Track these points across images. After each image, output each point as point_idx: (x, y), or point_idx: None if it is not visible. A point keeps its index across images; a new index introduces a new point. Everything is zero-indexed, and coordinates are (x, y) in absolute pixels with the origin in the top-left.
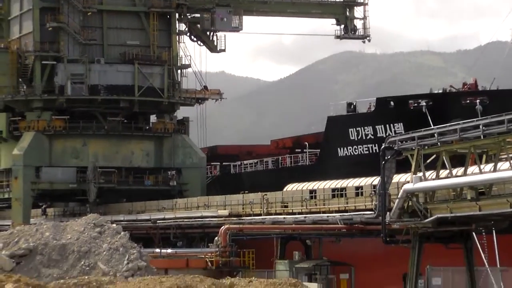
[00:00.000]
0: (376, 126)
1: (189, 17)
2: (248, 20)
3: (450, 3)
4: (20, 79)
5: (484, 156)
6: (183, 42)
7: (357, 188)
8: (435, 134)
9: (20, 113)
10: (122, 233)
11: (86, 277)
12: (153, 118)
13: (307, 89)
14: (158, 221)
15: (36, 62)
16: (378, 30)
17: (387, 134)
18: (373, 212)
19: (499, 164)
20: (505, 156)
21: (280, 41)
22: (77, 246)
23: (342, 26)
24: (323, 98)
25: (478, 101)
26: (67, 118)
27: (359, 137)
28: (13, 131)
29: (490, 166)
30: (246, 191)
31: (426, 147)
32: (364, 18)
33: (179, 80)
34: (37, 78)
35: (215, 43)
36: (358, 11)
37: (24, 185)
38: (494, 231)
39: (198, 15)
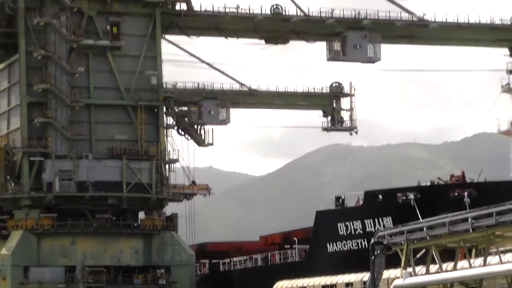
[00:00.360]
0: (365, 220)
1: (176, 110)
2: (236, 113)
3: (436, 95)
4: (7, 177)
5: (474, 250)
6: (171, 136)
7: (347, 284)
8: (424, 228)
9: (8, 211)
10: None
11: None
12: (141, 214)
13: (295, 183)
14: None
15: (24, 158)
16: (365, 122)
17: (376, 228)
18: None
19: (489, 258)
20: (495, 250)
21: (267, 134)
22: None
23: (329, 118)
24: (311, 191)
25: (466, 193)
26: (55, 216)
27: (348, 232)
28: (1, 230)
29: (480, 260)
30: None
31: (416, 241)
32: (351, 109)
33: (167, 175)
34: (25, 175)
35: (203, 137)
36: (344, 102)
37: (12, 286)
38: None
39: (185, 108)
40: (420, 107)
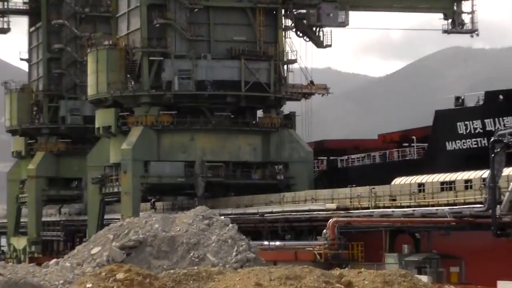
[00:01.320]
0: (485, 120)
1: (295, 12)
2: (355, 16)
3: None
4: (128, 75)
5: None
6: (289, 38)
7: (466, 181)
8: None
9: (128, 108)
10: (231, 225)
11: (196, 267)
12: (259, 113)
13: (414, 84)
14: (266, 215)
15: (143, 58)
16: (487, 24)
17: (496, 128)
18: (483, 205)
19: None
20: None
21: (386, 37)
22: (186, 238)
23: (450, 20)
24: (431, 93)
25: None
26: (174, 113)
27: (467, 131)
28: (122, 126)
29: None
30: (354, 185)
31: None
32: (472, 12)
33: (285, 75)
34: (144, 74)
35: (321, 39)
36: (465, 5)
37: (133, 179)
38: None
39: (304, 10)
40: None
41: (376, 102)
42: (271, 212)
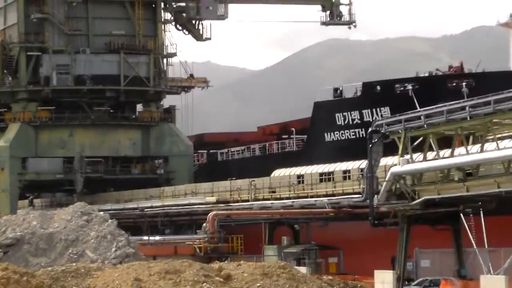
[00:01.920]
0: (363, 111)
1: (174, 6)
2: (234, 8)
3: None
4: (5, 71)
5: (471, 138)
6: (169, 31)
7: (344, 172)
8: (422, 117)
9: (5, 104)
10: (110, 220)
11: (74, 264)
12: (139, 107)
13: (293, 76)
14: (145, 209)
15: (21, 53)
16: (364, 16)
17: (373, 118)
18: (360, 195)
19: (486, 145)
20: (492, 137)
21: (266, 29)
22: (65, 235)
23: (328, 12)
24: (310, 85)
25: (464, 83)
26: (53, 109)
27: (345, 122)
28: None
29: (477, 147)
30: (233, 178)
31: (413, 130)
32: (350, 3)
33: (165, 69)
34: (22, 69)
35: (201, 32)
36: None
37: (11, 176)
38: (481, 212)
39: (183, 4)
40: (421, 1)
41: (255, 94)
42: (151, 207)
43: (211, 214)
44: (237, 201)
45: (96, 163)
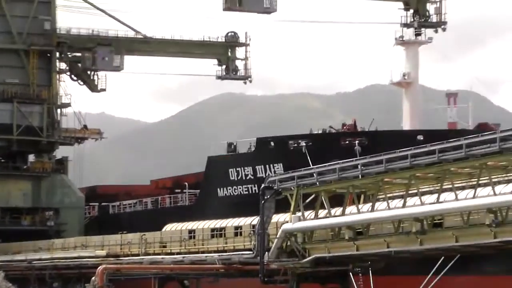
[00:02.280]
0: (256, 166)
1: (70, 56)
2: (130, 60)
3: (332, 47)
4: None
5: (362, 196)
6: (64, 81)
7: (236, 228)
8: (314, 174)
9: None
10: None
11: None
12: (31, 157)
13: (188, 130)
14: (33, 262)
15: None
16: (260, 72)
17: (267, 174)
18: (252, 252)
19: (377, 204)
20: (383, 196)
21: (162, 82)
22: None
23: (224, 66)
24: (204, 139)
25: (357, 141)
26: None
27: (239, 177)
28: None
29: (368, 206)
30: (125, 232)
31: (305, 187)
32: (246, 58)
33: (58, 119)
34: None
35: (96, 83)
36: (239, 52)
37: None
38: (371, 271)
39: (79, 54)
40: (315, 59)
41: (149, 147)
42: (40, 259)
43: (100, 267)
44: (128, 255)
45: None
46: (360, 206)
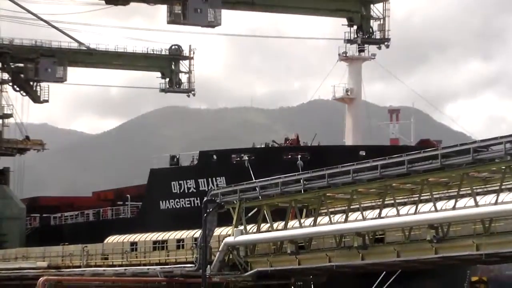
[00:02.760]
0: (199, 180)
1: (12, 66)
2: (74, 71)
3: (275, 61)
4: None
5: (304, 210)
6: (6, 91)
7: (178, 240)
8: (257, 188)
9: None
10: None
11: None
12: None
13: (131, 142)
14: None
15: None
16: (204, 85)
17: (209, 188)
18: (194, 265)
19: (319, 219)
20: (325, 210)
21: (105, 94)
22: None
23: (167, 79)
24: (147, 152)
25: (299, 156)
26: None
27: (181, 190)
28: None
29: (310, 220)
30: (66, 243)
31: (248, 201)
32: (189, 71)
33: (0, 129)
34: None
35: (38, 94)
36: (183, 65)
37: None
38: (312, 285)
39: (22, 64)
40: (259, 73)
41: (92, 159)
42: None
43: (41, 279)
44: (69, 267)
45: None
46: (302, 220)
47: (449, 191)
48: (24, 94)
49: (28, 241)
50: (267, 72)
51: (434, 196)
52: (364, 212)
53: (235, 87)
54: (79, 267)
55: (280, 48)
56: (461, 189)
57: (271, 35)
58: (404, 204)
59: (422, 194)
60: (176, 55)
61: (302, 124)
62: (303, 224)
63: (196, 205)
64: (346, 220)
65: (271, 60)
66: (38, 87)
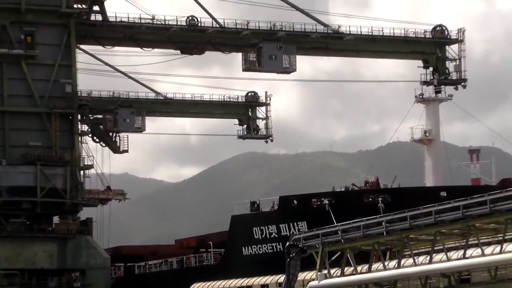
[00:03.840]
0: (280, 225)
1: (91, 118)
2: (151, 121)
3: (352, 105)
4: None
5: (388, 253)
6: (86, 143)
7: (262, 286)
8: (339, 231)
9: None
10: None
11: None
12: (56, 219)
13: (211, 189)
14: None
15: None
16: (281, 131)
17: (291, 232)
18: None
19: (403, 260)
20: (409, 252)
21: (183, 142)
22: None
23: (245, 126)
24: (227, 198)
25: (380, 199)
26: None
27: (263, 236)
28: None
29: (394, 262)
30: None
31: (330, 244)
32: (266, 118)
33: (81, 180)
34: None
35: (118, 144)
36: (260, 111)
37: None
38: None
39: (100, 116)
40: (337, 117)
41: (173, 207)
42: None
43: None
44: None
45: (12, 276)
46: (386, 262)
47: None
48: (104, 145)
49: None
50: (345, 116)
51: None
52: (448, 253)
53: (313, 131)
54: None
55: (358, 91)
56: None
57: (348, 79)
58: (489, 243)
59: (507, 233)
60: (252, 101)
61: (382, 167)
62: (387, 267)
63: (278, 250)
64: (430, 261)
65: (349, 103)
66: (117, 137)
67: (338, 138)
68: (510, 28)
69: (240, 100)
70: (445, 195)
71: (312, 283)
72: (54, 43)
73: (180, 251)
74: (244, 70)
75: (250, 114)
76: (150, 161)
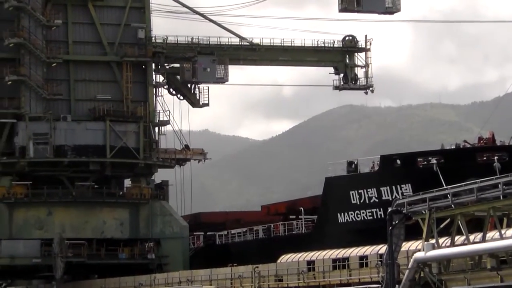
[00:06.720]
0: (381, 188)
1: (167, 67)
2: (235, 70)
3: (470, 48)
4: None
5: (505, 220)
6: (161, 96)
7: (361, 258)
8: (449, 195)
9: None
10: None
11: None
12: (127, 182)
13: (303, 148)
14: None
15: None
16: (383, 80)
17: (393, 197)
18: (380, 285)
19: None
20: None
21: (271, 94)
22: None
23: (342, 75)
24: (321, 158)
25: (496, 157)
26: (29, 183)
27: (361, 201)
28: None
29: None
30: (234, 264)
31: (439, 210)
32: (366, 65)
33: (156, 138)
34: None
35: (197, 97)
36: (359, 58)
37: None
38: None
39: (177, 65)
40: (451, 62)
41: (259, 169)
42: None
43: None
44: None
45: (78, 246)
46: (503, 231)
47: None
48: (182, 98)
49: (192, 263)
50: (459, 61)
51: None
52: None
53: (421, 80)
54: None
55: (476, 34)
56: None
57: (466, 19)
58: None
59: None
60: (350, 47)
61: (499, 121)
62: (504, 235)
63: (379, 217)
64: None
65: (466, 47)
66: (197, 89)
67: (450, 88)
68: None
69: (336, 45)
70: None
71: (418, 254)
72: None
73: (267, 218)
74: (341, 11)
75: (347, 61)
76: (234, 116)
